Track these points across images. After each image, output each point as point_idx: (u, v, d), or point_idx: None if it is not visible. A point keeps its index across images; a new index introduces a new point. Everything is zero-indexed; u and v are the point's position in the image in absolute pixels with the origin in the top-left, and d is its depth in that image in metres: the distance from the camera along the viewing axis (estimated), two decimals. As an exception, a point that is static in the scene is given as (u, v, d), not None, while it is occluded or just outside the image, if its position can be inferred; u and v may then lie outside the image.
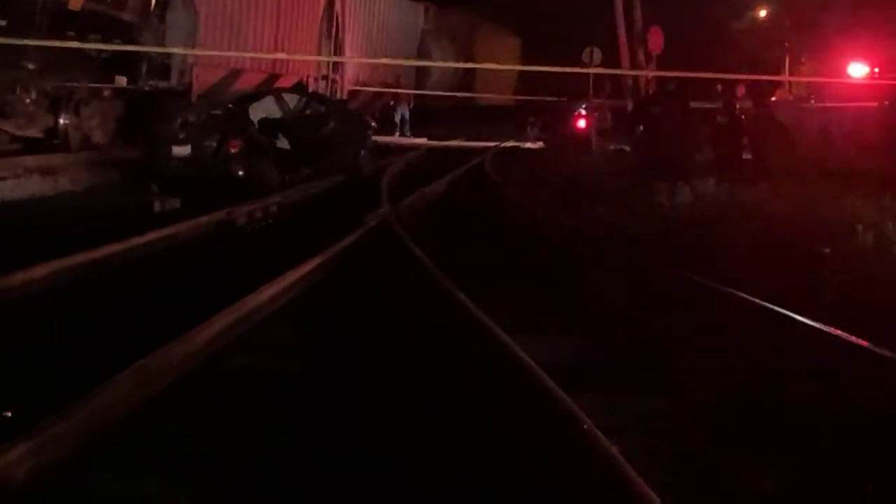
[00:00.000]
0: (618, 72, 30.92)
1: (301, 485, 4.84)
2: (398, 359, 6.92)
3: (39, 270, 8.72)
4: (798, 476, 5.12)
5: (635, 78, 31.41)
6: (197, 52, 23.54)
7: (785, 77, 32.99)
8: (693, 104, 20.95)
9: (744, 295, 8.59)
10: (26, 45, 17.13)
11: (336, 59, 34.83)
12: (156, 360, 5.91)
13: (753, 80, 22.80)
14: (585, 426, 5.05)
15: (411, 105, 43.05)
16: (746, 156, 20.55)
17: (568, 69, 20.03)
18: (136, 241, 10.68)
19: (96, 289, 8.87)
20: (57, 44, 16.86)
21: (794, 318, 7.72)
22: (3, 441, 4.47)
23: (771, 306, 8.12)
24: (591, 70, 29.16)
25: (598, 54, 33.13)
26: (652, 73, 28.65)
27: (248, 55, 27.56)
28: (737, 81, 22.06)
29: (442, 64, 43.85)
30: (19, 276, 8.39)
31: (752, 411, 6.04)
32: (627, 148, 27.93)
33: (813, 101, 28.35)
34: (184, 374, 6.13)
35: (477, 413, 5.75)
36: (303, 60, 32.42)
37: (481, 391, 6.15)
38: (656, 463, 5.03)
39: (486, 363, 6.61)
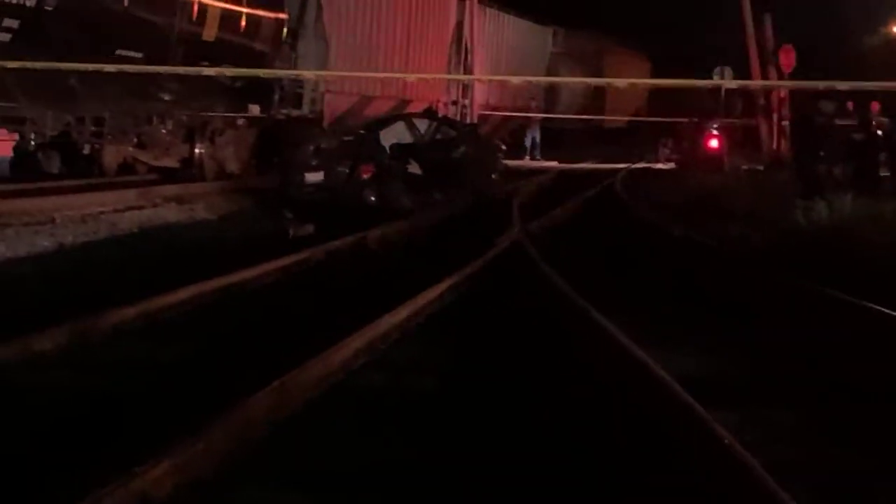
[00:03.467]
0: (751, 83, 30.39)
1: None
2: (527, 381, 6.93)
3: (182, 293, 8.87)
4: None
5: (767, 96, 30.96)
6: (327, 73, 23.85)
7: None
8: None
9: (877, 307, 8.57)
10: (162, 77, 17.49)
11: (466, 78, 35.01)
12: (294, 378, 5.99)
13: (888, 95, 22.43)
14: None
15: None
16: (884, 172, 20.25)
17: (698, 82, 20.02)
18: (270, 265, 10.78)
19: (235, 311, 8.99)
20: (191, 70, 17.09)
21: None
22: (149, 458, 4.55)
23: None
24: (721, 82, 28.94)
25: (728, 73, 32.80)
26: (783, 86, 28.31)
27: (380, 75, 27.86)
28: (872, 97, 21.72)
29: (572, 80, 43.98)
30: (159, 301, 8.54)
31: None
32: (761, 167, 27.64)
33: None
34: (323, 390, 6.21)
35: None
36: (433, 87, 32.64)
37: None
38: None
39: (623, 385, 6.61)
